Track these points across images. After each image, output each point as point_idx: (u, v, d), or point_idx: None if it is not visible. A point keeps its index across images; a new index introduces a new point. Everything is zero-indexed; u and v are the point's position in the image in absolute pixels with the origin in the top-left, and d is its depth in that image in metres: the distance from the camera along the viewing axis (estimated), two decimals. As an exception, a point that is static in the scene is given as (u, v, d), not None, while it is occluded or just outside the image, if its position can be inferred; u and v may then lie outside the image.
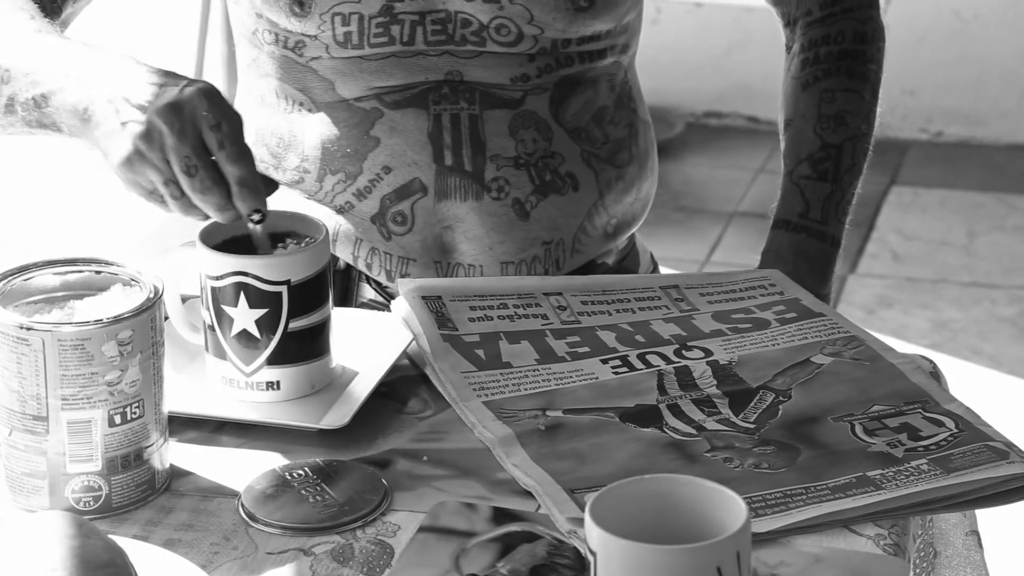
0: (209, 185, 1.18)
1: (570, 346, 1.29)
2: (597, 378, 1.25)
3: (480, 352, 1.27)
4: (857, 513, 1.11)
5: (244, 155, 1.19)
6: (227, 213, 1.19)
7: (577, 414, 1.21)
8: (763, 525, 1.09)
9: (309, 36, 1.41)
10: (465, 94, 1.42)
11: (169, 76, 1.22)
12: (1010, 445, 1.18)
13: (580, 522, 1.07)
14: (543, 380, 1.25)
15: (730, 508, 0.97)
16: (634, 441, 1.18)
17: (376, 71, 1.41)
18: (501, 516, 1.12)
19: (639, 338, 1.30)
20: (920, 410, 1.22)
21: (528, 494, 1.15)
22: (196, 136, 1.18)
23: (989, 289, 3.20)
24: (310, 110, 1.44)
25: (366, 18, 1.39)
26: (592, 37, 1.44)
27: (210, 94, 1.20)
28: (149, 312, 1.13)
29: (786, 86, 1.54)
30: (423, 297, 1.31)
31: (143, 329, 1.12)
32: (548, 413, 1.21)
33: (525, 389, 1.24)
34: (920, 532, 1.22)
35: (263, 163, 1.47)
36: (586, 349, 1.29)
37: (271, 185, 1.22)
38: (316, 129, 1.44)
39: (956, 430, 1.19)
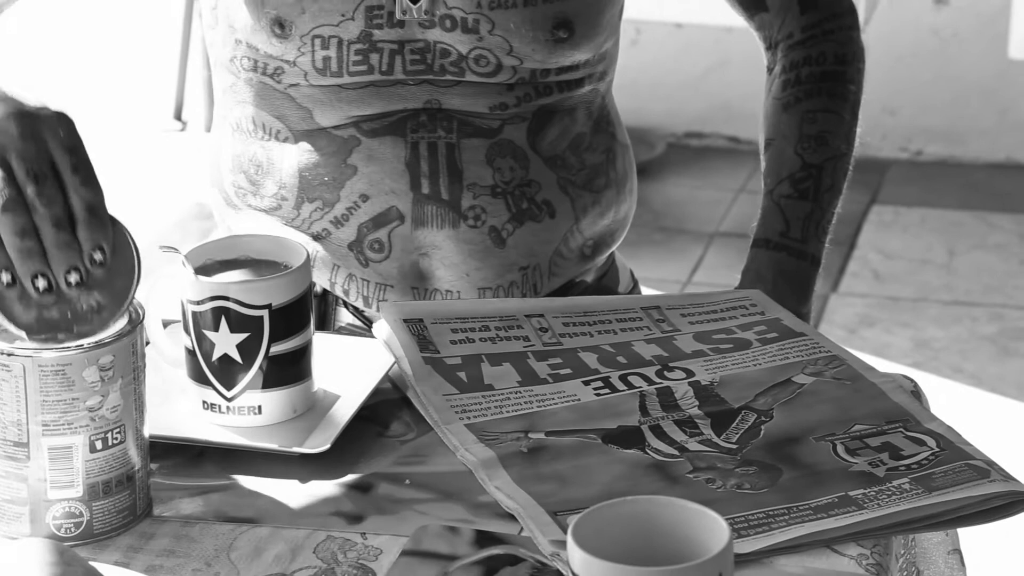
0: (55, 197, 1.09)
1: (552, 368, 1.29)
2: (579, 400, 1.25)
3: (462, 375, 1.27)
4: (840, 533, 1.12)
5: (96, 182, 1.11)
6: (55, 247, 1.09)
7: (559, 436, 1.21)
8: (746, 546, 1.09)
9: (288, 62, 1.41)
10: (443, 122, 1.42)
11: (24, 96, 1.15)
12: (991, 463, 1.18)
13: (563, 544, 1.07)
14: (525, 402, 1.25)
15: (712, 529, 0.97)
16: (616, 463, 1.18)
17: (355, 100, 1.41)
18: (484, 539, 1.12)
19: (621, 359, 1.30)
20: (901, 429, 1.22)
21: (511, 517, 1.15)
22: (46, 149, 1.11)
23: (970, 307, 3.21)
24: (287, 138, 1.44)
25: (345, 43, 1.40)
26: (571, 67, 1.44)
27: (69, 119, 1.14)
28: (130, 337, 1.12)
29: (767, 107, 1.54)
30: (404, 320, 1.31)
31: (124, 354, 1.12)
32: (530, 435, 1.21)
33: (507, 411, 1.24)
34: (903, 551, 1.22)
35: (242, 189, 1.48)
36: (568, 371, 1.29)
37: (115, 225, 1.13)
38: (293, 157, 1.44)
39: (937, 449, 1.19)
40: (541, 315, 1.34)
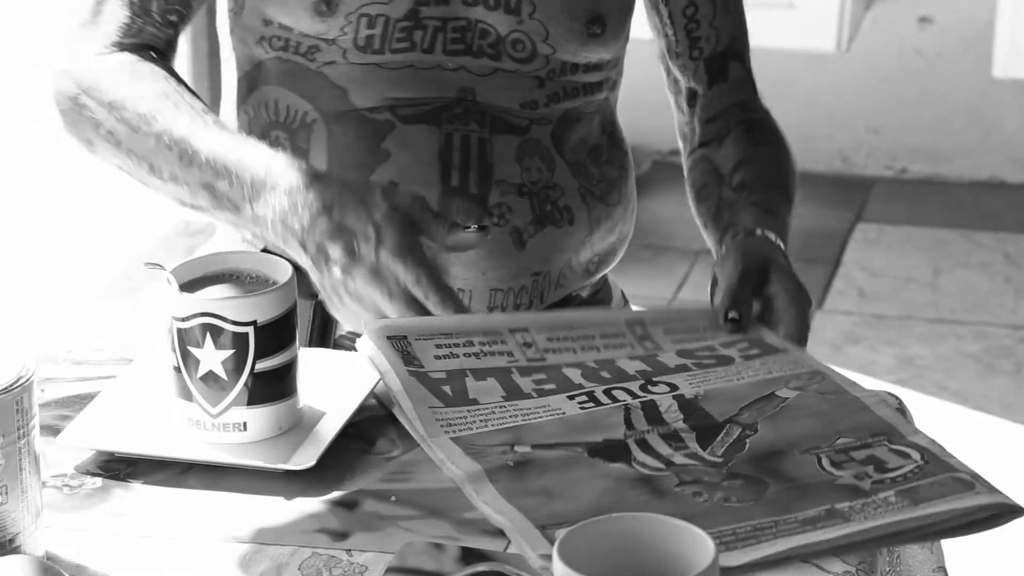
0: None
1: (536, 383, 1.29)
2: (564, 413, 1.26)
3: (447, 388, 1.27)
4: (827, 546, 1.12)
5: (449, 297, 1.28)
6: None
7: (546, 449, 1.21)
8: (733, 559, 1.09)
9: (326, 40, 1.41)
10: (476, 116, 1.43)
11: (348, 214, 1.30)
12: (976, 476, 1.18)
13: (551, 558, 1.07)
14: (510, 416, 1.25)
15: (698, 546, 0.97)
16: (603, 477, 1.18)
17: (392, 81, 1.42)
18: (469, 556, 1.12)
19: (604, 374, 1.30)
20: (886, 442, 1.22)
21: (496, 533, 1.15)
22: (406, 294, 1.29)
23: (954, 325, 3.21)
24: (314, 120, 1.44)
25: (391, 21, 1.40)
26: (596, 66, 1.47)
27: (403, 249, 1.28)
28: (12, 395, 1.07)
29: (695, 170, 1.55)
30: (388, 337, 1.31)
31: (6, 413, 1.07)
32: (517, 448, 1.21)
33: (492, 425, 1.24)
34: (888, 569, 1.22)
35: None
36: (552, 386, 1.29)
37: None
38: (321, 140, 1.44)
39: (922, 462, 1.20)
40: (526, 329, 1.35)
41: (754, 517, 1.14)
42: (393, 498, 1.20)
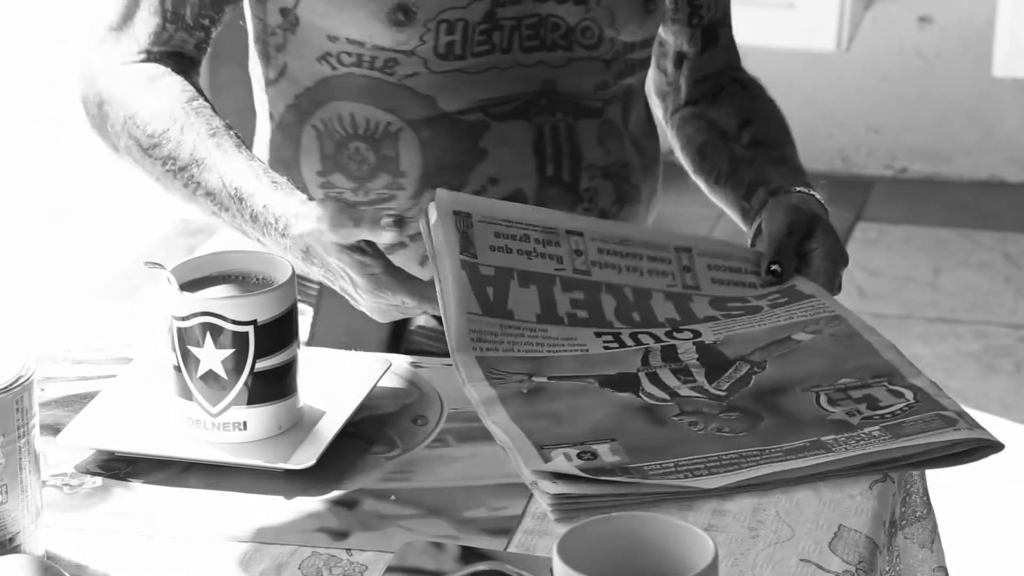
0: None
1: (573, 304, 1.30)
2: (588, 351, 1.27)
3: (490, 291, 1.28)
4: (804, 473, 1.15)
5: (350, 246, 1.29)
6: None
7: (560, 380, 1.23)
8: (713, 482, 1.12)
9: (404, 52, 1.41)
10: (560, 105, 1.46)
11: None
12: (962, 414, 1.21)
13: (543, 475, 1.10)
14: (537, 344, 1.26)
15: (698, 546, 0.97)
16: (609, 404, 1.21)
17: (478, 83, 1.43)
18: (469, 555, 1.12)
19: (635, 316, 1.32)
20: (885, 383, 1.25)
21: (496, 532, 1.15)
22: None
23: (954, 325, 3.22)
24: (400, 129, 1.44)
25: (471, 25, 1.41)
26: (647, 42, 1.50)
27: (373, 286, 1.30)
28: (12, 394, 1.07)
29: (687, 127, 1.57)
30: (455, 212, 1.31)
31: (6, 412, 1.07)
32: (534, 378, 1.23)
33: (518, 351, 1.25)
34: (888, 569, 1.23)
35: (336, 189, 1.46)
36: (585, 314, 1.30)
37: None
38: (412, 146, 1.44)
39: (913, 401, 1.22)
40: (580, 234, 1.35)
41: (742, 446, 1.15)
42: (393, 497, 1.20)
